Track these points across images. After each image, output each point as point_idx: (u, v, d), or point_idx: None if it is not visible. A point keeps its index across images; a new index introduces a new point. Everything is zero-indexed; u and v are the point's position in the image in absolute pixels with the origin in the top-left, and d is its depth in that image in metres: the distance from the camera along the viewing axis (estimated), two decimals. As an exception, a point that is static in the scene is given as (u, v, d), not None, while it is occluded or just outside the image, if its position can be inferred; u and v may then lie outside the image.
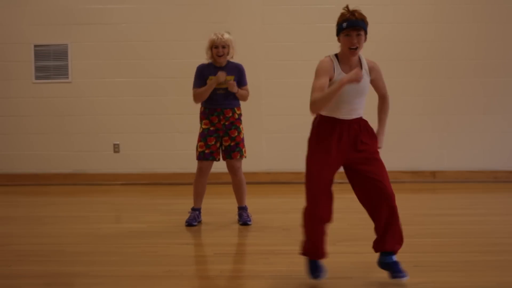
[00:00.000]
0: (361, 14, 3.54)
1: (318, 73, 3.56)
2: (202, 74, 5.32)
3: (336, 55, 3.64)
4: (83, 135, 8.08)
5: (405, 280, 3.65)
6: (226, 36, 5.27)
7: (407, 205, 6.08)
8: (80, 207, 6.57)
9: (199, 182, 5.46)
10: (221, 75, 5.21)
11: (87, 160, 8.08)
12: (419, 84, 8.00)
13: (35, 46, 7.99)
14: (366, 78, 3.63)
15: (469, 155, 8.04)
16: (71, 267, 4.17)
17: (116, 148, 8.08)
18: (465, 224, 5.41)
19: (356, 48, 3.53)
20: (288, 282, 3.78)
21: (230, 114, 5.36)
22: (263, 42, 7.95)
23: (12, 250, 4.63)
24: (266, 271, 4.00)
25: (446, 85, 8.01)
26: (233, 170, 5.43)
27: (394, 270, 3.68)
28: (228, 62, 5.36)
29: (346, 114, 3.61)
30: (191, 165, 7.95)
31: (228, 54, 5.31)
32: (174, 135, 8.05)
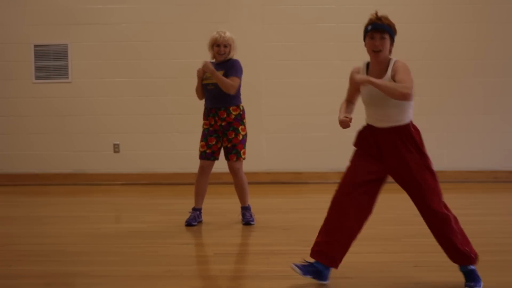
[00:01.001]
0: (388, 20, 3.57)
1: (349, 80, 3.76)
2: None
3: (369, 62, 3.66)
4: (83, 135, 8.08)
5: None
6: (228, 34, 5.27)
7: (407, 205, 6.05)
8: (80, 207, 6.57)
9: (200, 182, 5.45)
10: (198, 71, 5.29)
11: (87, 160, 8.08)
12: (418, 84, 7.87)
13: (35, 46, 7.99)
14: None
15: (468, 155, 8.04)
16: (71, 267, 4.17)
17: (116, 148, 8.08)
18: (465, 224, 5.35)
19: (379, 51, 3.51)
20: (288, 282, 3.77)
21: (225, 116, 5.29)
22: (263, 42, 7.95)
23: (12, 250, 4.63)
24: (266, 271, 4.00)
25: (446, 85, 8.01)
26: (232, 171, 5.41)
27: (466, 279, 3.60)
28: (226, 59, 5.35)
29: (378, 121, 3.56)
30: (191, 165, 7.96)
31: (229, 53, 5.31)
32: (174, 135, 8.05)
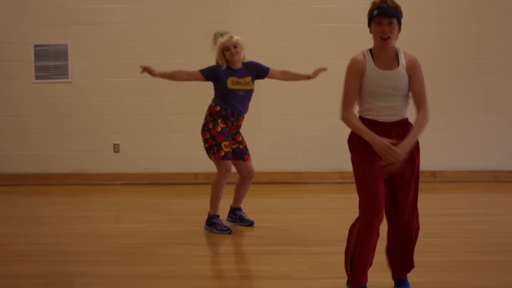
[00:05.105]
0: (394, 2, 3.31)
1: (347, 76, 3.37)
2: (216, 72, 5.16)
3: (370, 50, 3.41)
4: (83, 135, 8.07)
5: None
6: (236, 37, 5.21)
7: (407, 205, 6.08)
8: (80, 207, 6.57)
9: (224, 185, 5.20)
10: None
11: (87, 160, 8.08)
12: (419, 84, 7.99)
13: (35, 46, 7.99)
14: (403, 74, 3.37)
15: (469, 155, 8.04)
16: (71, 267, 4.17)
17: (116, 148, 8.08)
18: (465, 224, 5.41)
19: (388, 38, 3.28)
20: (288, 282, 3.78)
21: (241, 122, 5.32)
22: (263, 42, 7.94)
23: (12, 250, 4.63)
24: (266, 271, 4.00)
25: (446, 85, 8.01)
26: (251, 175, 5.31)
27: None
28: (242, 63, 5.27)
29: (384, 115, 3.35)
30: (191, 165, 7.99)
31: (241, 53, 5.21)
32: (173, 135, 8.05)
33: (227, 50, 5.16)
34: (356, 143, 3.41)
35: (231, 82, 5.16)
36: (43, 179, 8.04)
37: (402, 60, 3.40)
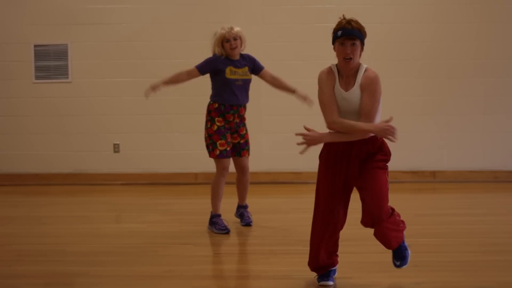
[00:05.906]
0: (358, 24, 3.43)
1: (320, 85, 3.52)
2: (215, 64, 5.14)
3: (336, 65, 3.51)
4: (83, 135, 8.07)
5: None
6: (236, 28, 5.14)
7: (407, 205, 6.08)
8: (80, 207, 6.57)
9: (222, 184, 5.18)
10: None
11: (87, 160, 8.08)
12: (419, 84, 7.99)
13: (35, 46, 7.99)
14: (357, 94, 3.45)
15: (469, 155, 8.04)
16: (71, 267, 4.17)
17: (116, 148, 8.08)
18: (465, 224, 5.41)
19: (350, 59, 3.38)
20: (288, 282, 3.78)
21: (243, 112, 5.27)
22: (263, 42, 7.94)
23: (12, 250, 4.63)
24: (266, 271, 4.00)
25: (446, 85, 8.01)
26: (244, 170, 5.31)
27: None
28: (240, 54, 5.24)
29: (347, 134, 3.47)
30: (191, 165, 7.99)
31: (241, 45, 5.18)
32: (174, 135, 8.05)
33: (227, 41, 5.12)
34: (321, 158, 3.71)
35: (229, 72, 5.14)
36: (43, 179, 8.04)
37: (359, 80, 3.45)
